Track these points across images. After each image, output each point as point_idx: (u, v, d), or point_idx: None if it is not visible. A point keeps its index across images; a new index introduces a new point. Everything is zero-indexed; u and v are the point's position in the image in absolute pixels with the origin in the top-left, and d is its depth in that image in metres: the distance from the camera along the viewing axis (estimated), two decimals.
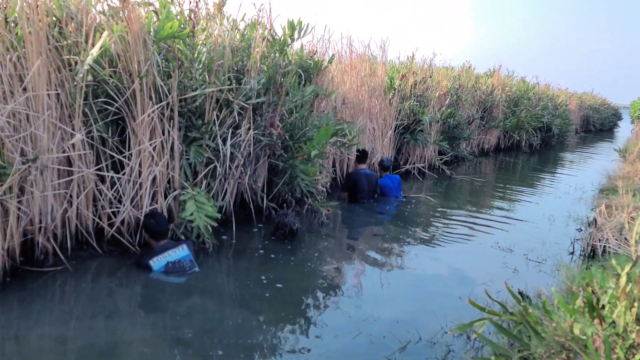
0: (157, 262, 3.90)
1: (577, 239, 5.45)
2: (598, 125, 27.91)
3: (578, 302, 2.31)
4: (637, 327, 2.11)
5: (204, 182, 4.63)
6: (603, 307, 2.35)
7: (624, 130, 32.04)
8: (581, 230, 6.05)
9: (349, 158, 7.54)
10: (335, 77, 7.07)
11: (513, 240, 5.40)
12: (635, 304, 2.14)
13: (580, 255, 5.09)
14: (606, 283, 2.72)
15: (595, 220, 5.61)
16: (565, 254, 5.12)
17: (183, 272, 3.92)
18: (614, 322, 2.23)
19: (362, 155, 6.90)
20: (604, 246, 4.86)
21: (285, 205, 5.32)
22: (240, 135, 4.86)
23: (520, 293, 3.74)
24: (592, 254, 4.97)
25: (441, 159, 9.85)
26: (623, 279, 2.30)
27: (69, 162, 3.91)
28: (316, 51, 6.33)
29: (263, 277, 4.01)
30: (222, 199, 4.93)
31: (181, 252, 3.99)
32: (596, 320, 2.24)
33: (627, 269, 2.33)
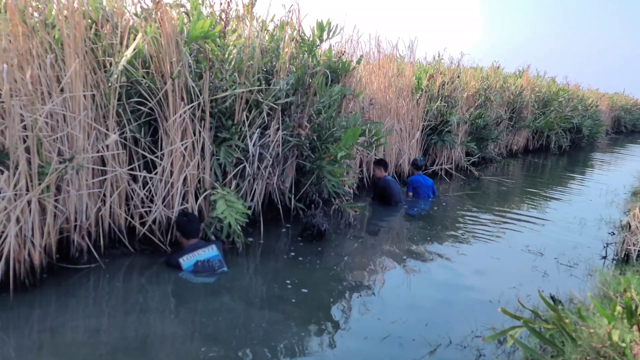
0: (186, 261, 3.95)
1: (610, 243, 5.34)
2: (630, 127, 27.32)
3: (617, 309, 2.26)
4: None
5: (233, 182, 4.67)
6: None
7: None
8: (614, 234, 5.93)
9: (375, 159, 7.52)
10: (363, 78, 7.07)
11: (543, 243, 5.32)
12: None
13: (613, 259, 4.99)
14: None
15: (629, 223, 5.49)
16: (598, 258, 5.02)
17: (212, 271, 3.97)
18: None
19: (384, 163, 6.94)
20: (639, 251, 4.75)
21: (313, 205, 5.34)
22: (269, 136, 4.89)
23: (552, 297, 3.68)
24: (625, 258, 4.87)
25: (469, 160, 9.77)
26: None
27: (103, 161, 3.99)
28: (344, 52, 6.33)
29: (290, 280, 4.02)
30: (251, 199, 4.97)
31: (211, 252, 4.04)
32: (634, 327, 2.20)
33: None
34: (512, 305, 3.61)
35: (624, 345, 2.10)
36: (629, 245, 4.86)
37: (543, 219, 6.63)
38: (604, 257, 5.06)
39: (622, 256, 4.91)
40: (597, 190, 9.03)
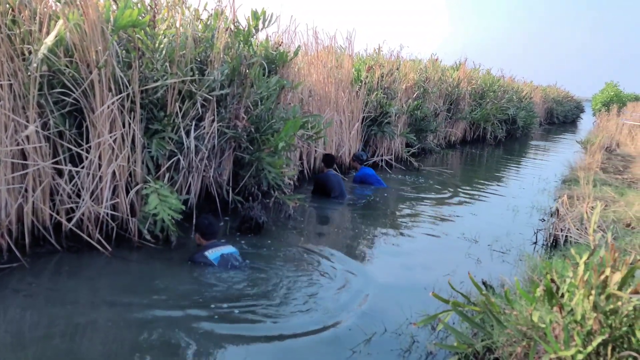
0: (212, 253, 4.04)
1: (540, 229, 5.54)
2: (561, 118, 28.58)
3: (538, 291, 2.33)
4: (595, 315, 2.14)
5: (167, 175, 4.53)
6: (562, 295, 2.38)
7: (586, 122, 32.87)
8: (544, 220, 6.17)
9: (316, 151, 7.51)
10: (302, 69, 7.03)
11: (478, 231, 5.46)
12: (593, 292, 2.17)
13: (543, 245, 5.18)
14: (565, 272, 2.76)
15: (557, 210, 5.72)
16: (529, 244, 5.21)
17: (235, 265, 4.05)
18: (572, 309, 2.26)
19: (330, 159, 6.99)
20: (566, 236, 4.95)
21: (251, 198, 5.26)
22: (204, 128, 4.77)
23: (484, 283, 3.78)
24: (554, 243, 5.06)
25: (408, 151, 9.91)
26: (581, 268, 2.33)
27: (23, 155, 3.78)
28: (282, 42, 6.26)
29: (223, 274, 3.94)
30: (187, 193, 4.84)
31: (230, 248, 4.17)
32: (555, 308, 2.27)
33: (584, 257, 2.37)
34: (447, 292, 3.66)
35: (544, 326, 2.16)
36: (557, 231, 5.05)
37: (478, 208, 6.83)
38: (535, 243, 5.24)
39: (551, 241, 5.10)
40: (530, 179, 9.39)
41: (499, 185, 8.71)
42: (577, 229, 4.95)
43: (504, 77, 16.87)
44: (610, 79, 32.76)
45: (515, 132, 16.41)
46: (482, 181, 8.95)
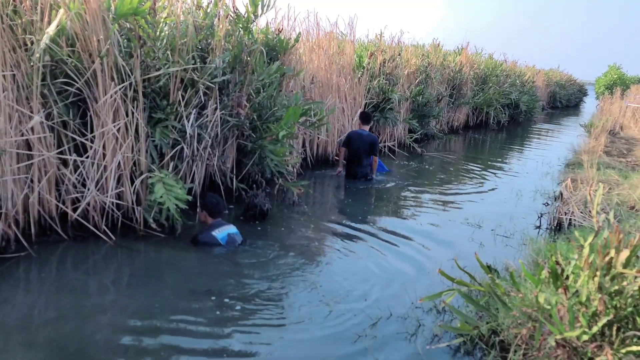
0: (220, 233, 4.18)
1: (544, 213, 5.55)
2: (564, 102, 28.39)
3: (543, 273, 2.34)
4: (599, 296, 2.15)
5: (171, 164, 4.54)
6: (567, 277, 2.40)
7: (589, 106, 32.72)
8: (548, 204, 6.17)
9: (318, 138, 7.51)
10: (303, 56, 7.00)
11: (482, 216, 5.47)
12: (598, 273, 2.18)
13: (547, 228, 5.18)
14: (570, 254, 2.78)
15: (561, 194, 5.72)
16: (532, 228, 5.21)
17: (240, 244, 4.23)
18: (577, 291, 2.27)
19: (366, 117, 7.16)
20: (570, 219, 4.96)
21: (255, 186, 5.27)
22: (207, 116, 4.78)
23: (489, 267, 3.79)
24: (558, 227, 5.07)
25: (411, 137, 9.89)
26: (586, 250, 2.34)
27: (28, 145, 3.79)
28: (282, 29, 6.23)
29: (227, 261, 3.97)
30: (191, 181, 4.86)
31: (233, 228, 4.31)
32: (560, 290, 2.28)
33: (589, 239, 2.38)
34: (452, 274, 3.69)
35: (549, 307, 2.17)
36: (561, 215, 5.06)
37: (482, 193, 6.83)
38: (538, 227, 5.25)
39: (555, 225, 5.11)
40: (533, 163, 9.38)
41: (502, 170, 8.70)
42: (581, 212, 4.96)
43: (506, 62, 16.76)
44: (614, 62, 32.50)
45: (518, 116, 16.33)
46: (485, 166, 8.94)
